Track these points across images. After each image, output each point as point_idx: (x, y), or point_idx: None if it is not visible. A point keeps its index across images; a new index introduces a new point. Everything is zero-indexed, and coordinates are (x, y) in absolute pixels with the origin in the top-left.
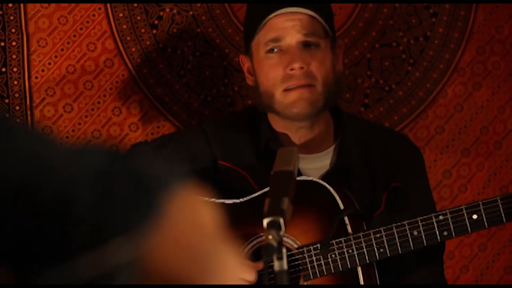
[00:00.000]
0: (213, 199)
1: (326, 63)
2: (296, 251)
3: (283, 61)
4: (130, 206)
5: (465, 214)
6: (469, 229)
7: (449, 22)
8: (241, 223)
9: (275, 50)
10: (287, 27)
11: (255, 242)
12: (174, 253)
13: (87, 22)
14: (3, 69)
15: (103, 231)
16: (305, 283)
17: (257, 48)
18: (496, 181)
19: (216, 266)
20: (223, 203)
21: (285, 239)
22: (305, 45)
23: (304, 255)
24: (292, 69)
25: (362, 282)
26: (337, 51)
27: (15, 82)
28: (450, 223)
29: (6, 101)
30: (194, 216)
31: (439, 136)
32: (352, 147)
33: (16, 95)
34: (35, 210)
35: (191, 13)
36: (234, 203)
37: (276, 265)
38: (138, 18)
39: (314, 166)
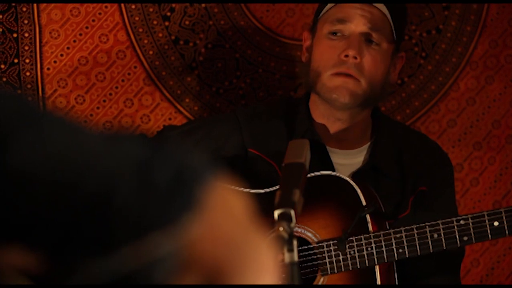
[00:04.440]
0: (242, 189)
1: (381, 65)
2: (316, 245)
3: (341, 46)
4: (171, 198)
5: (487, 221)
6: (489, 235)
7: (461, 15)
8: (263, 214)
9: (338, 34)
10: (357, 14)
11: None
12: (213, 245)
13: (100, 13)
14: (16, 60)
15: (144, 223)
16: (321, 278)
17: (322, 25)
18: (507, 175)
19: (253, 256)
20: (251, 193)
21: (305, 232)
22: (367, 39)
23: (323, 249)
24: (346, 56)
25: (379, 282)
26: (396, 61)
27: (28, 73)
28: (471, 228)
29: (19, 92)
30: (229, 208)
31: (451, 130)
32: (386, 148)
33: (29, 86)
34: (74, 203)
35: (203, 5)
36: (260, 193)
37: (287, 257)
38: (151, 9)
39: (347, 162)
